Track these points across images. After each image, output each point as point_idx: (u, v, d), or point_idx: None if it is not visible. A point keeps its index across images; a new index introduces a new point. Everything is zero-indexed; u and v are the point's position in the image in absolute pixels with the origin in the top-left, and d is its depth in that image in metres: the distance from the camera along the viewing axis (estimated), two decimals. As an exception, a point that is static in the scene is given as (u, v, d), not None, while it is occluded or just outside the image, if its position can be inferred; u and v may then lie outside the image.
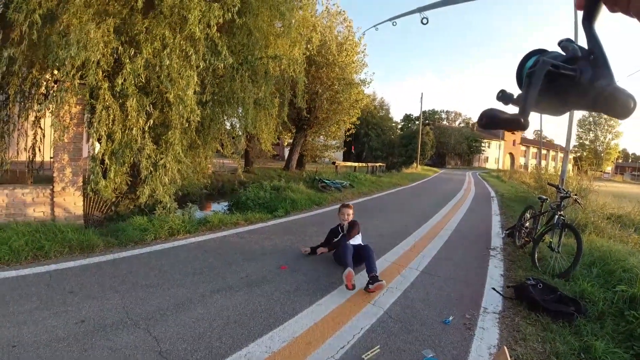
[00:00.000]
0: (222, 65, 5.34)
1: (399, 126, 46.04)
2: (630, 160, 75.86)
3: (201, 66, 4.97)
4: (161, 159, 5.00)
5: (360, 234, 4.24)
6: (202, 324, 2.61)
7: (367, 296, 3.26)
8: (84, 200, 5.16)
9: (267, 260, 4.07)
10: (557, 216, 4.45)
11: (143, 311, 2.72)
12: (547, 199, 5.42)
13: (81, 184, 5.04)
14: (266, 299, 3.08)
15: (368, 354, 2.33)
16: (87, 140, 5.49)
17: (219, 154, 7.46)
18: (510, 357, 1.98)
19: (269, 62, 6.43)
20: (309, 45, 9.20)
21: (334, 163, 16.01)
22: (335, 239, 4.28)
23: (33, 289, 2.93)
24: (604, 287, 3.45)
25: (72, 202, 4.96)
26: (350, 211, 4.32)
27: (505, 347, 2.10)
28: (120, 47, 4.48)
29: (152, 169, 4.95)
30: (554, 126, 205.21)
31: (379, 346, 2.43)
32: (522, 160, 55.72)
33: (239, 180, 10.18)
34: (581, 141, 53.25)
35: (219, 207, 8.70)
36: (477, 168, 45.05)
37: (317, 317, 2.82)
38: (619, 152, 58.00)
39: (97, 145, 5.10)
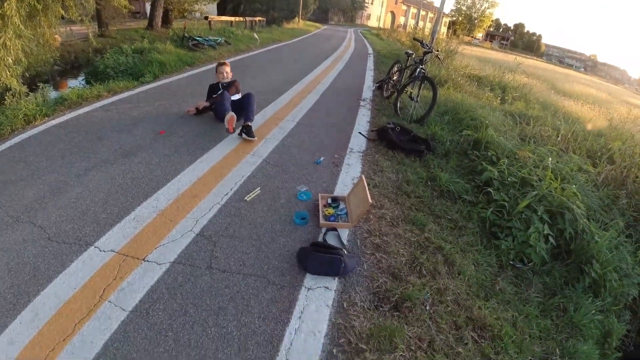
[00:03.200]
0: None
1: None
2: (501, 29, 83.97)
3: None
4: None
5: (239, 92, 4.15)
6: (84, 201, 2.48)
7: (246, 148, 3.44)
8: None
9: (139, 129, 3.75)
10: (419, 69, 4.90)
11: (20, 205, 2.42)
12: (413, 54, 5.82)
13: None
14: (145, 165, 2.98)
15: (250, 196, 2.61)
16: None
17: (65, 20, 6.55)
18: (368, 185, 2.43)
19: None
20: None
21: (206, 18, 13.84)
22: (215, 95, 4.13)
23: None
24: (452, 132, 4.20)
25: None
26: (228, 69, 4.08)
27: (362, 176, 2.56)
28: None
29: (-10, 51, 3.91)
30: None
31: (259, 188, 2.72)
32: (402, 20, 57.39)
33: (93, 48, 9.38)
34: (459, 6, 55.88)
35: (76, 83, 7.89)
36: (359, 25, 45.22)
37: (199, 173, 2.91)
38: (492, 20, 62.96)
39: None
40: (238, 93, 4.11)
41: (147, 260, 2.04)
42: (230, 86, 4.06)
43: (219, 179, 2.85)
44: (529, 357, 1.92)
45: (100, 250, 2.09)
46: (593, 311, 2.36)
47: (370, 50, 15.19)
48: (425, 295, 1.99)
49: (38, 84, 5.30)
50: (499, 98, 6.78)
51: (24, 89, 4.83)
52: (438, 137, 4.05)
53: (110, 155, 3.13)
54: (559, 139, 4.34)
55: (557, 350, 2.01)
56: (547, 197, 2.81)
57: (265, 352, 1.63)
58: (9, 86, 4.59)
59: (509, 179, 3.01)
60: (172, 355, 1.58)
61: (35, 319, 1.70)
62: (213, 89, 4.23)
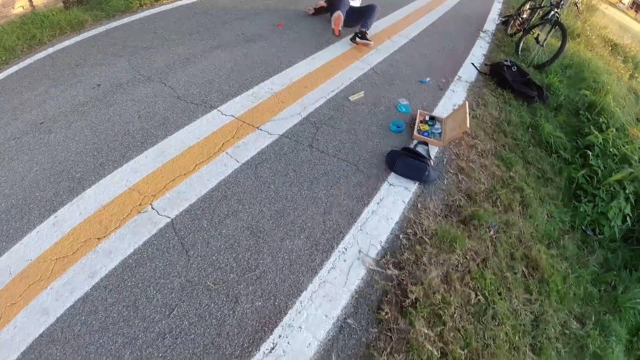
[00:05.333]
0: None
1: None
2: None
3: None
4: None
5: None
6: (209, 73, 2.89)
7: (357, 54, 3.56)
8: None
9: (261, 19, 4.03)
10: (553, 12, 4.39)
11: (152, 68, 2.89)
12: (550, -6, 5.14)
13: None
14: (264, 52, 3.31)
15: (354, 96, 2.85)
16: None
17: None
18: (469, 114, 2.47)
19: None
20: None
21: None
22: None
23: (40, 73, 2.87)
24: (570, 88, 3.83)
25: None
26: None
27: (466, 102, 2.60)
28: None
29: None
30: None
31: (363, 92, 2.93)
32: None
33: None
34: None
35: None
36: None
37: (311, 68, 3.18)
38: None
39: None
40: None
41: (260, 129, 2.44)
42: None
43: (328, 77, 3.10)
44: (565, 311, 2.05)
45: (222, 114, 2.51)
46: (638, 300, 2.30)
47: (502, -18, 13.11)
48: (493, 222, 2.17)
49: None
50: (629, 73, 5.85)
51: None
52: (554, 88, 3.74)
53: (233, 39, 3.49)
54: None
55: (593, 317, 2.10)
56: (640, 180, 2.67)
57: (344, 219, 1.99)
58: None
59: (610, 150, 2.87)
60: (271, 201, 2.00)
61: (161, 156, 2.15)
62: None
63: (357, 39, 3.51)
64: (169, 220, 1.81)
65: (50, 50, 3.18)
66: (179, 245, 1.72)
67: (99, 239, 1.70)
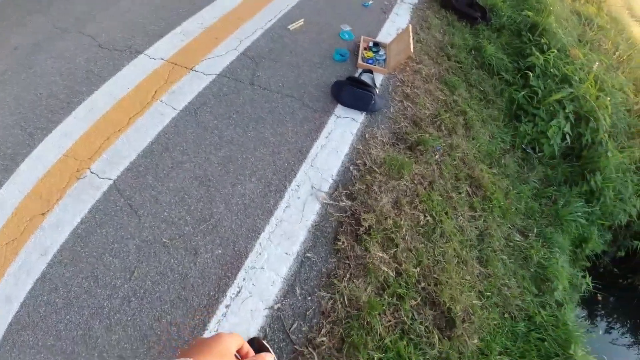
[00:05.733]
0: None
1: None
2: None
3: None
4: None
5: None
6: (132, 13, 2.51)
7: None
8: None
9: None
10: None
11: (70, 18, 2.46)
12: None
13: None
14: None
15: (293, 25, 2.62)
16: None
17: None
18: (413, 38, 2.38)
19: None
20: None
21: None
22: None
23: None
24: (513, 9, 3.71)
25: None
26: None
27: (410, 25, 2.48)
28: None
29: None
30: None
31: (303, 19, 2.70)
32: None
33: None
34: None
35: None
36: None
37: (245, -5, 2.85)
38: None
39: None
40: None
41: (195, 70, 2.19)
42: None
43: (265, 3, 2.80)
44: (508, 225, 2.19)
45: (151, 58, 2.22)
46: (579, 213, 2.53)
47: None
48: (437, 146, 2.19)
49: None
50: (573, -6, 5.99)
51: None
52: (497, 9, 3.65)
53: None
54: (615, 56, 4.06)
55: (535, 230, 2.26)
56: (580, 100, 2.81)
57: (294, 157, 1.91)
58: None
59: (551, 70, 2.94)
60: (216, 148, 1.86)
61: (90, 114, 1.93)
62: None
63: None
64: (111, 182, 1.68)
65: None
66: (127, 206, 1.62)
67: (43, 214, 1.57)
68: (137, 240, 1.52)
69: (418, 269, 1.67)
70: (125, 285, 1.41)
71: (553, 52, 3.02)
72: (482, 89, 2.81)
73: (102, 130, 1.86)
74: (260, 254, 1.57)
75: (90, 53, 2.22)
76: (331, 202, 1.78)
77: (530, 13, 3.61)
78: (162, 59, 2.22)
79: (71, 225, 1.54)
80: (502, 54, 3.12)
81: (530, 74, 2.87)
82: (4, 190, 1.63)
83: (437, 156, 2.16)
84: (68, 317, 1.33)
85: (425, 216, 1.85)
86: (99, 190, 1.65)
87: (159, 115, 1.95)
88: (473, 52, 3.08)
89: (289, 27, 2.59)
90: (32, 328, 1.31)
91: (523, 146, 2.68)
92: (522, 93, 2.79)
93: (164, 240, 1.54)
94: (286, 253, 1.59)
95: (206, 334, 1.36)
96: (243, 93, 2.14)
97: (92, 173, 1.70)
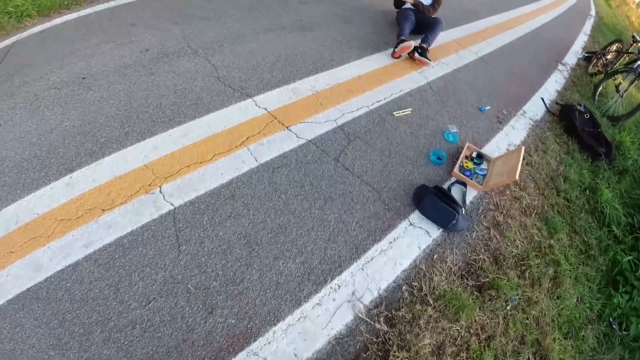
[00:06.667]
0: None
1: None
2: None
3: None
4: None
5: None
6: (256, 57, 2.77)
7: (416, 64, 3.26)
8: None
9: (323, 6, 3.82)
10: (639, 62, 3.79)
11: (201, 41, 2.82)
12: (640, 42, 4.43)
13: None
14: (317, 44, 3.12)
15: (399, 112, 2.59)
16: None
17: None
18: (524, 159, 2.12)
19: None
20: None
21: None
22: None
23: (96, 25, 2.90)
24: None
25: None
26: None
27: (522, 147, 2.25)
28: None
29: None
30: None
31: (411, 109, 2.66)
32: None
33: None
34: None
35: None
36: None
37: (362, 71, 2.94)
38: None
39: None
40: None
41: (290, 130, 2.28)
42: None
43: (378, 84, 2.85)
44: None
45: (256, 105, 2.38)
46: None
47: (592, 12, 11.73)
48: (513, 296, 1.89)
49: None
50: None
51: None
52: (624, 148, 3.24)
53: (290, 24, 3.33)
54: None
55: None
56: None
57: (348, 252, 1.80)
58: None
59: (669, 237, 2.40)
60: (277, 213, 1.87)
61: (183, 137, 2.07)
62: None
63: (416, 55, 3.15)
64: (172, 208, 1.76)
65: (112, 3, 3.22)
66: (174, 237, 1.67)
67: (103, 210, 1.69)
68: (167, 273, 1.56)
69: None
70: (137, 311, 1.45)
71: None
72: (586, 239, 2.38)
73: (187, 156, 1.99)
74: (269, 343, 1.47)
75: (207, 82, 2.46)
76: (366, 319, 1.62)
77: (660, 161, 3.03)
78: (266, 109, 2.36)
79: (121, 232, 1.64)
80: (618, 203, 2.64)
81: (643, 236, 2.35)
82: (81, 173, 1.81)
83: (508, 307, 1.85)
84: (78, 312, 1.41)
85: (467, 378, 1.58)
86: (159, 211, 1.74)
87: (240, 162, 2.03)
88: (587, 192, 2.65)
89: (394, 112, 2.57)
90: (44, 303, 1.41)
91: (611, 319, 2.17)
92: (629, 258, 2.32)
93: (189, 285, 1.55)
94: (295, 355, 1.47)
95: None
96: (324, 167, 2.13)
97: (161, 192, 1.81)
